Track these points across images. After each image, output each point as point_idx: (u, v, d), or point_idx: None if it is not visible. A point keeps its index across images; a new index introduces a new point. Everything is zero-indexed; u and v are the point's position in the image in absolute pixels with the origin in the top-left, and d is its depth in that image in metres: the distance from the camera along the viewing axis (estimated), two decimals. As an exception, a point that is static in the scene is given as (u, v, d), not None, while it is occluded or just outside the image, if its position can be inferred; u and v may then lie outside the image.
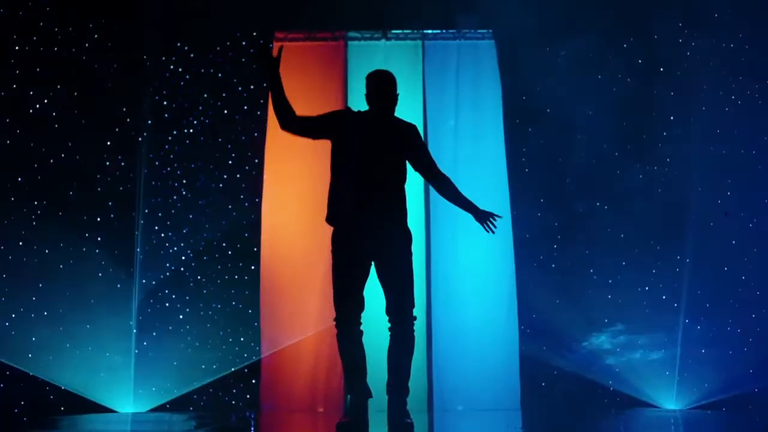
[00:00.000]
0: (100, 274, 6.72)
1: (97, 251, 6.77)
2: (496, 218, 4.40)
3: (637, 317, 6.80)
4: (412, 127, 4.42)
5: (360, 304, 4.20)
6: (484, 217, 4.38)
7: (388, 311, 4.21)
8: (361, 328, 4.24)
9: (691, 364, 6.59)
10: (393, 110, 4.38)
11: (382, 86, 4.33)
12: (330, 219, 4.32)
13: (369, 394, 4.23)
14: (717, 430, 5.24)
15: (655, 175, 6.96)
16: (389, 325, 4.23)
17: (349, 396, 4.33)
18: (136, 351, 6.69)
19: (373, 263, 4.22)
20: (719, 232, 6.79)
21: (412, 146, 4.33)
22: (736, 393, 6.46)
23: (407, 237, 4.26)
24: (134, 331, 6.71)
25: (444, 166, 6.91)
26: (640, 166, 6.99)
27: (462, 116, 7.25)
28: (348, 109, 4.53)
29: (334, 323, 4.23)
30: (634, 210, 6.89)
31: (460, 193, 4.42)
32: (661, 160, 6.99)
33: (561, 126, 7.05)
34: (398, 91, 4.45)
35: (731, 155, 6.88)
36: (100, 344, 6.62)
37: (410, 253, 4.24)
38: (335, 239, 4.32)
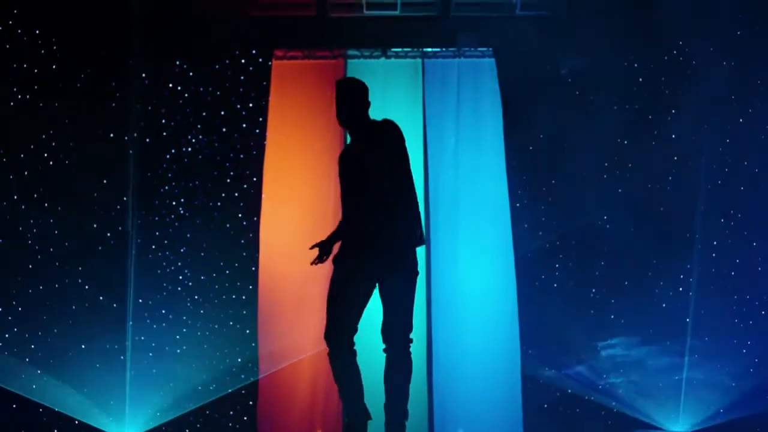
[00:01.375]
0: (94, 293, 6.62)
1: (91, 270, 6.67)
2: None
3: (640, 337, 6.72)
4: (385, 125, 4.18)
5: (356, 326, 4.16)
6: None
7: (384, 332, 4.14)
8: (355, 347, 4.16)
9: (696, 385, 6.50)
10: (357, 119, 4.18)
11: (337, 96, 4.20)
12: (340, 248, 4.25)
13: (368, 416, 4.14)
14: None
15: (657, 192, 6.90)
16: (384, 346, 4.15)
17: (346, 419, 4.21)
18: (132, 372, 6.60)
19: (377, 285, 4.15)
20: (724, 250, 6.72)
21: (390, 146, 4.09)
22: (742, 415, 6.36)
23: (413, 263, 4.17)
24: (129, 352, 6.60)
25: (445, 184, 7.06)
26: (643, 183, 6.93)
27: (463, 134, 7.23)
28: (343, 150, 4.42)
29: (327, 343, 4.16)
30: (637, 227, 6.84)
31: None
32: (664, 177, 6.94)
33: (562, 144, 7.01)
34: (368, 99, 4.34)
35: (736, 169, 6.82)
36: (93, 365, 6.50)
37: (414, 281, 4.17)
38: (340, 261, 4.21)
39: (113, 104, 6.90)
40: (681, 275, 6.74)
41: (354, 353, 4.17)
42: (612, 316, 6.80)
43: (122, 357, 6.59)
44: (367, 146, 4.11)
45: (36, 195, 6.65)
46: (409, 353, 4.15)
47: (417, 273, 4.20)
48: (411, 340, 4.14)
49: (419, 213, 4.23)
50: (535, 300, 6.79)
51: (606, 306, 6.80)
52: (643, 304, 6.74)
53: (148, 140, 7.02)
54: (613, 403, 6.66)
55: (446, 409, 6.72)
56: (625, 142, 7.02)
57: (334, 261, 4.25)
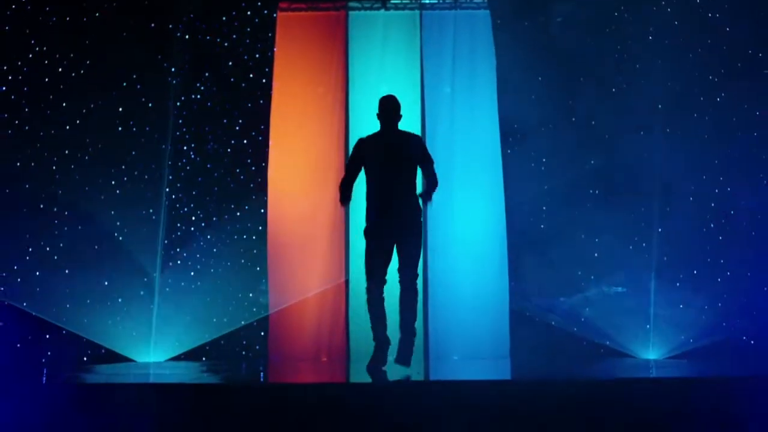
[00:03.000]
0: (124, 235, 7.10)
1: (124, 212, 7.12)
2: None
3: (617, 275, 7.22)
4: (417, 139, 5.62)
5: (386, 279, 5.40)
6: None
7: (400, 274, 5.42)
8: (384, 294, 5.39)
9: (667, 318, 7.05)
10: (397, 126, 5.51)
11: (387, 107, 5.50)
12: (368, 223, 5.42)
13: (388, 342, 5.40)
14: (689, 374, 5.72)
15: (642, 139, 7.27)
16: (398, 277, 5.42)
17: (375, 344, 5.41)
18: (150, 306, 7.10)
19: (395, 245, 5.39)
20: (699, 196, 7.19)
21: (416, 154, 5.45)
22: (709, 342, 6.92)
23: (420, 228, 5.45)
24: (157, 287, 7.12)
25: (440, 131, 7.46)
26: (629, 130, 7.30)
27: (458, 83, 7.56)
28: (362, 140, 5.55)
29: (366, 284, 5.39)
30: (621, 174, 7.28)
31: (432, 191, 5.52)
32: (650, 125, 7.29)
33: (552, 94, 7.37)
34: (401, 112, 5.61)
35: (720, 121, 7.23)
36: (123, 298, 7.03)
37: (421, 242, 5.48)
38: (368, 233, 5.41)
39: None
40: (660, 218, 7.20)
41: (383, 299, 5.39)
42: (596, 254, 7.27)
43: (148, 292, 7.11)
44: (404, 140, 5.46)
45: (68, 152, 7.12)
46: (417, 288, 5.47)
47: (422, 237, 5.51)
48: (417, 276, 5.45)
49: (436, 178, 5.56)
50: (524, 240, 7.28)
51: (589, 246, 7.27)
52: (622, 245, 7.22)
53: (158, 88, 7.37)
54: (593, 335, 7.19)
55: (441, 338, 7.24)
56: (613, 89, 7.37)
57: (365, 232, 5.45)
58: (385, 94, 5.70)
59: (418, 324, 6.98)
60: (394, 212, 5.25)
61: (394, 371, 5.39)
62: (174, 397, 4.67)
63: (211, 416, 4.56)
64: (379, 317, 5.36)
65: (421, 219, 5.49)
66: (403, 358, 5.40)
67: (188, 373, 6.04)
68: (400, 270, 5.40)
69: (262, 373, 6.24)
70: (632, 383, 4.97)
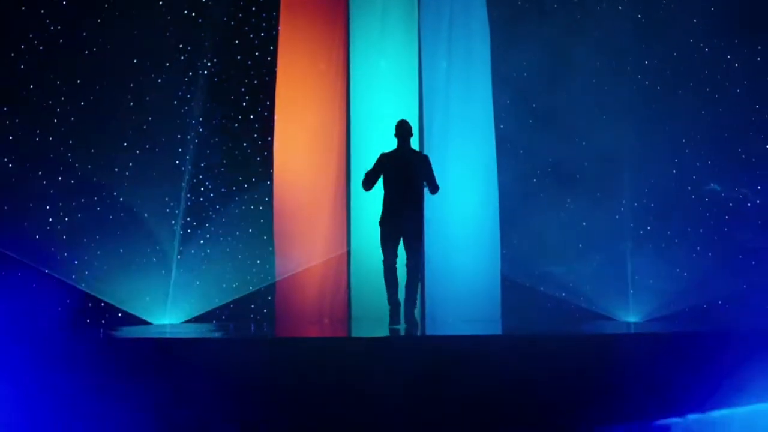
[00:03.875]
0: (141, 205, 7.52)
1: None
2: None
3: (600, 244, 7.66)
4: (424, 157, 6.67)
5: (396, 255, 6.51)
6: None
7: (407, 262, 6.56)
8: (396, 266, 6.50)
9: (648, 284, 7.52)
10: (410, 145, 6.67)
11: (402, 131, 6.63)
12: (382, 216, 6.54)
13: (398, 304, 6.52)
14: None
15: (630, 122, 7.66)
16: (405, 261, 6.53)
17: (389, 307, 6.50)
18: (162, 272, 7.54)
19: (401, 238, 6.54)
20: (682, 172, 7.63)
21: (422, 171, 6.58)
22: (687, 307, 7.41)
23: (422, 224, 6.60)
24: (177, 256, 7.55)
25: (437, 105, 7.84)
26: (615, 116, 7.68)
27: (454, 58, 7.92)
28: (384, 155, 6.64)
29: (383, 265, 6.48)
30: (609, 147, 7.66)
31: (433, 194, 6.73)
32: (637, 108, 7.69)
33: (544, 70, 7.76)
34: (413, 131, 6.69)
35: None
36: (137, 265, 7.48)
37: (423, 234, 6.66)
38: (382, 224, 6.53)
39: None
40: (645, 189, 7.65)
41: (396, 270, 6.50)
42: (584, 223, 7.70)
43: (155, 260, 7.54)
44: (414, 156, 6.64)
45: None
46: (419, 268, 6.64)
47: (423, 223, 6.61)
48: (420, 264, 6.63)
49: (437, 186, 6.68)
50: (516, 211, 7.69)
51: (577, 215, 7.69)
52: (608, 215, 7.66)
53: (167, 64, 7.73)
54: (580, 299, 7.65)
55: (436, 302, 7.68)
56: (597, 63, 7.71)
57: (380, 223, 6.54)
58: (400, 119, 6.72)
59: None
60: (403, 215, 6.44)
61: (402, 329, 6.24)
62: (190, 351, 5.13)
63: (222, 368, 4.99)
64: (391, 284, 6.50)
65: (423, 221, 6.62)
66: (408, 317, 6.49)
67: (202, 331, 6.44)
68: (406, 261, 6.54)
69: (269, 331, 6.67)
70: (611, 339, 5.48)
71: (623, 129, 7.65)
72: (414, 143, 6.98)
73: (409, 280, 6.52)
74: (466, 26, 7.98)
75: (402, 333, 5.97)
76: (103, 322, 7.38)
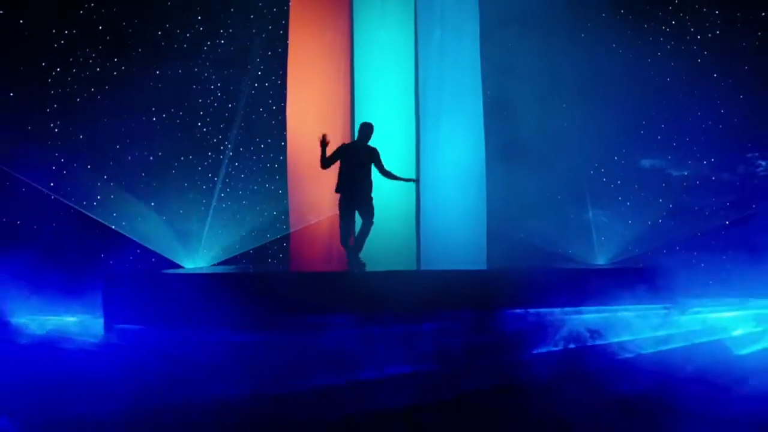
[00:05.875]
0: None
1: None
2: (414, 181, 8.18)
3: (574, 198, 8.65)
4: (374, 149, 7.83)
5: (352, 229, 7.81)
6: (406, 180, 8.01)
7: (361, 218, 7.80)
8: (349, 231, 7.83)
9: (615, 232, 8.58)
10: (367, 141, 7.82)
11: (364, 130, 7.81)
12: (337, 190, 7.78)
13: (363, 264, 7.76)
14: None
15: (613, 98, 8.54)
16: (361, 222, 7.76)
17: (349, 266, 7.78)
18: (189, 222, 8.50)
19: (356, 210, 7.76)
20: (649, 134, 8.65)
21: (374, 159, 7.80)
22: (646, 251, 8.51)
23: (371, 198, 7.81)
24: (212, 209, 8.54)
25: (431, 69, 8.73)
26: (604, 90, 8.52)
27: (447, 28, 8.74)
28: (344, 145, 7.84)
29: (340, 243, 7.79)
30: (590, 113, 8.60)
31: (394, 177, 7.84)
32: (622, 94, 8.56)
33: (531, 49, 8.57)
34: (372, 132, 7.84)
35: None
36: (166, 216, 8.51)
37: (372, 208, 7.82)
38: (341, 200, 7.78)
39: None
40: (615, 157, 8.68)
41: (352, 239, 7.77)
42: (566, 180, 8.63)
43: (181, 211, 8.53)
44: (366, 149, 7.79)
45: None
46: (370, 227, 7.76)
47: (372, 197, 7.84)
48: (372, 224, 7.79)
49: (391, 174, 7.87)
50: (501, 169, 8.53)
51: (558, 172, 8.55)
52: (583, 170, 8.66)
53: (187, 35, 8.63)
54: (556, 248, 8.62)
55: (430, 252, 8.60)
56: (582, 35, 8.59)
57: (339, 203, 7.77)
58: (363, 121, 7.88)
59: (409, 237, 8.64)
60: (356, 194, 7.77)
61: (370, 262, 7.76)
62: (222, 283, 6.66)
63: (248, 297, 6.59)
64: (345, 244, 7.88)
65: (372, 195, 7.84)
66: (357, 247, 7.86)
67: (230, 269, 7.56)
68: (362, 219, 7.91)
69: (285, 267, 7.81)
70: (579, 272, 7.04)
71: (606, 101, 8.56)
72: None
73: (363, 228, 7.81)
74: (457, 1, 8.86)
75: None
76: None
